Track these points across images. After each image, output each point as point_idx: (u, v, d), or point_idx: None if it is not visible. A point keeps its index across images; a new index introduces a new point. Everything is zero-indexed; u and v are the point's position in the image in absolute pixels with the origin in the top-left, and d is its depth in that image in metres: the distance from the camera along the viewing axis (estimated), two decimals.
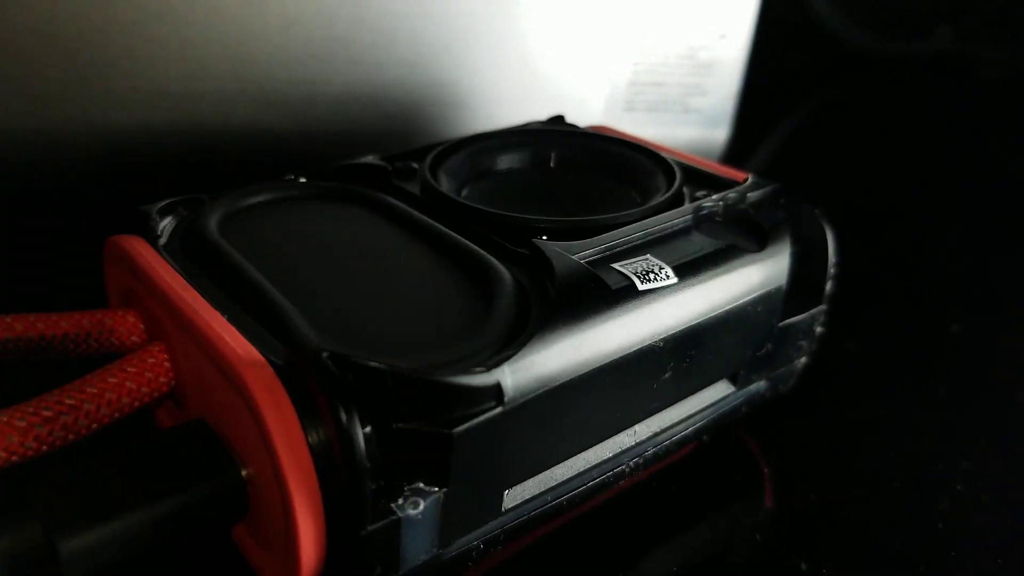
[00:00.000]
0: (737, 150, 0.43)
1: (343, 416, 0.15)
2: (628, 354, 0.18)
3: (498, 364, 0.16)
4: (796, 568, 0.20)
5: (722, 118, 0.43)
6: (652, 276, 0.19)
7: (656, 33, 0.39)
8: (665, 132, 0.34)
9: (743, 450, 0.24)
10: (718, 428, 0.23)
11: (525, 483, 0.18)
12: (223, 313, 0.17)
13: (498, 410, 0.16)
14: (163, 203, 0.21)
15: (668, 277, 0.19)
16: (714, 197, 0.22)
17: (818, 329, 0.24)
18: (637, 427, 0.20)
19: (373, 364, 0.15)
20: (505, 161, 0.26)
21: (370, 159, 0.25)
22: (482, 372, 0.16)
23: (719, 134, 0.43)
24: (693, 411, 0.21)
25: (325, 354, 0.15)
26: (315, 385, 0.15)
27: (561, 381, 0.17)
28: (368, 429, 0.15)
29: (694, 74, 0.41)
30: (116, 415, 0.17)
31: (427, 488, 0.16)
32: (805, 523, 0.22)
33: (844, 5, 0.62)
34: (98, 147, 0.32)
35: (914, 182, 0.47)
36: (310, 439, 0.15)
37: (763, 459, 0.24)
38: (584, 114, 0.38)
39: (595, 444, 0.19)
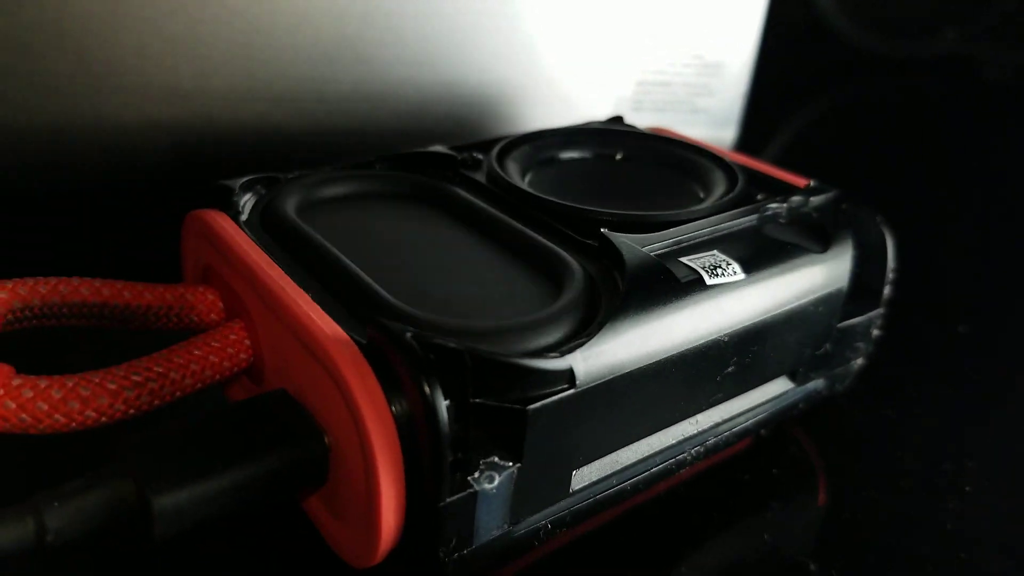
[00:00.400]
0: (745, 151, 0.43)
1: (427, 389, 0.15)
2: (694, 347, 0.19)
3: (571, 351, 0.17)
4: (804, 568, 0.20)
5: (730, 118, 0.43)
6: (720, 271, 0.20)
7: (664, 33, 0.39)
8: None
9: (793, 443, 0.24)
10: (776, 423, 0.23)
11: (592, 465, 0.19)
12: (308, 291, 0.18)
13: (570, 392, 0.17)
14: (245, 179, 0.22)
15: (735, 273, 0.20)
16: (778, 199, 0.23)
17: (875, 332, 0.24)
18: (699, 417, 0.20)
19: (454, 345, 0.16)
20: (569, 156, 0.26)
21: (439, 148, 0.25)
22: (555, 357, 0.17)
23: (727, 134, 0.43)
24: (753, 404, 0.22)
25: (409, 334, 0.16)
26: (400, 362, 0.16)
27: (629, 369, 0.18)
28: (448, 403, 0.16)
29: (702, 74, 0.41)
30: (199, 385, 0.18)
31: (501, 463, 0.17)
32: (813, 523, 0.22)
33: (851, 6, 0.62)
34: (108, 144, 0.32)
35: (920, 183, 0.47)
36: (395, 410, 0.16)
37: (816, 455, 0.24)
38: (592, 113, 0.39)
39: (659, 431, 0.20)
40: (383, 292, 0.18)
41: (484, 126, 0.37)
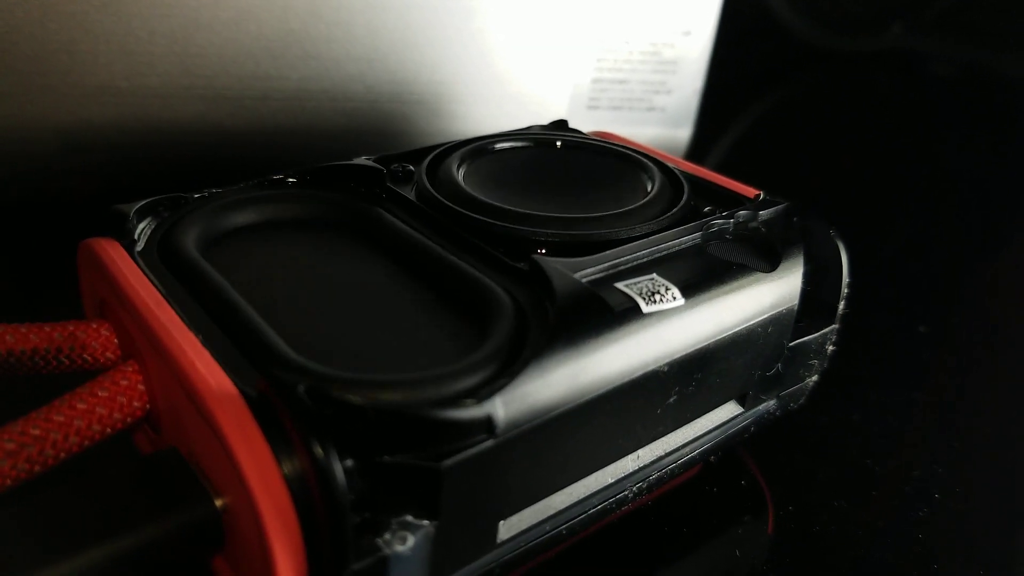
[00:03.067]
0: (698, 149, 0.42)
1: (319, 451, 0.13)
2: (630, 380, 0.16)
3: (490, 395, 0.14)
4: None
5: (686, 116, 0.40)
6: (658, 297, 0.17)
7: (620, 30, 0.37)
8: (629, 131, 0.32)
9: (742, 469, 0.22)
10: (726, 449, 0.21)
11: (521, 513, 0.16)
12: (198, 334, 0.15)
13: (490, 443, 0.14)
14: (141, 203, 0.19)
15: (675, 298, 0.17)
16: (724, 214, 0.20)
17: (830, 348, 0.22)
18: (640, 452, 0.18)
19: (352, 399, 0.13)
20: (506, 166, 0.24)
21: (364, 160, 0.23)
22: (472, 404, 0.14)
23: (682, 133, 0.41)
24: (699, 433, 0.20)
25: (301, 388, 0.13)
26: (289, 419, 0.13)
27: (558, 411, 0.15)
28: (349, 462, 0.13)
29: (658, 71, 0.38)
30: (87, 443, 0.16)
31: (416, 522, 0.14)
32: (784, 535, 0.20)
33: (801, 2, 0.61)
34: (38, 146, 0.29)
35: (870, 178, 0.45)
36: (286, 473, 0.13)
37: (763, 479, 0.22)
38: (547, 112, 0.36)
39: (596, 471, 0.17)
40: (277, 340, 0.15)
41: (435, 126, 0.35)
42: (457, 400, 0.14)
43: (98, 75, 0.29)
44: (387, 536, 0.14)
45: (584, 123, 0.29)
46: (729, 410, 0.20)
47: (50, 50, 0.28)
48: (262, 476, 0.13)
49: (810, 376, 0.22)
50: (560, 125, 0.26)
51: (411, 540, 0.14)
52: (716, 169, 0.23)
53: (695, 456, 0.19)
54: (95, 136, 0.30)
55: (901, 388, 0.26)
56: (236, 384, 0.14)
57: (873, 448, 0.23)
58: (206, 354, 0.15)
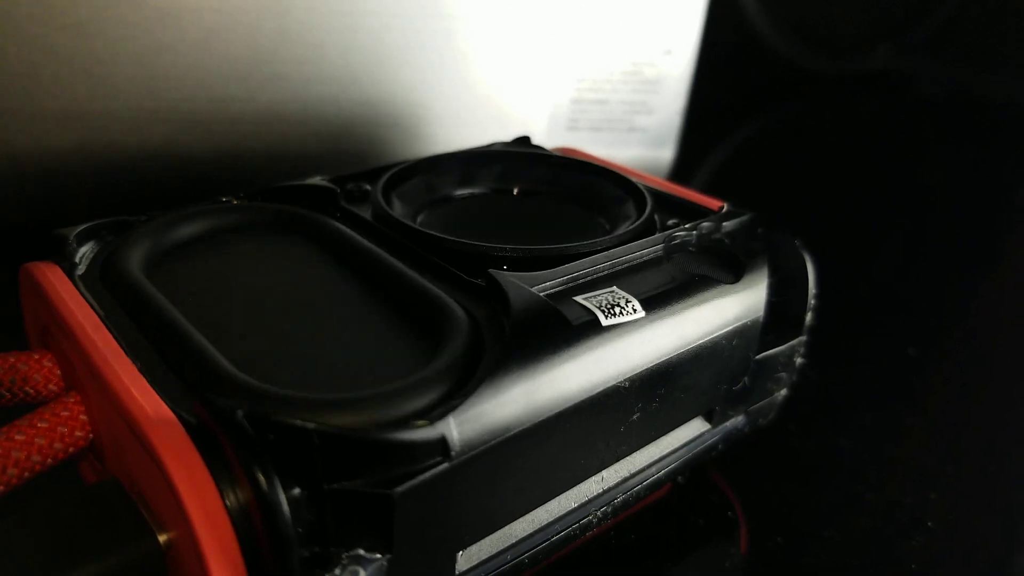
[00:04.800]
0: (681, 171, 0.41)
1: (262, 481, 0.12)
2: (591, 397, 0.16)
3: (443, 416, 0.14)
4: None
5: (668, 137, 0.40)
6: (617, 310, 0.17)
7: (600, 49, 0.36)
8: (610, 152, 0.31)
9: (711, 488, 0.22)
10: (694, 468, 0.20)
11: (481, 543, 0.15)
12: (136, 361, 0.15)
13: (444, 465, 0.14)
14: (83, 227, 0.19)
15: (635, 311, 0.17)
16: (687, 226, 0.20)
17: (798, 360, 0.21)
18: (604, 473, 0.17)
19: (296, 423, 0.12)
20: (465, 185, 0.23)
21: (317, 180, 0.22)
22: (423, 426, 0.13)
23: (665, 153, 0.40)
24: (666, 452, 0.19)
25: (240, 413, 0.12)
26: (229, 446, 0.12)
27: (515, 430, 0.15)
28: (296, 491, 0.12)
29: (639, 91, 0.38)
30: (26, 475, 0.15)
31: (368, 555, 0.13)
32: (771, 566, 0.19)
33: (786, 22, 0.60)
34: None
35: (859, 200, 0.44)
36: (229, 505, 0.12)
37: (734, 497, 0.21)
38: (525, 133, 0.35)
39: (558, 495, 0.17)
40: (219, 360, 0.14)
41: (412, 149, 0.34)
42: (408, 421, 0.14)
43: (60, 99, 0.28)
44: (337, 572, 0.13)
45: (564, 144, 0.28)
46: (696, 427, 0.19)
47: (10, 74, 0.27)
48: (204, 509, 0.12)
49: (779, 390, 0.21)
50: (523, 141, 0.26)
51: (363, 575, 0.13)
52: (701, 192, 0.22)
53: (662, 476, 0.19)
54: (56, 162, 0.29)
55: (891, 412, 0.25)
56: (175, 411, 0.13)
57: (863, 474, 0.22)
58: (143, 380, 0.14)
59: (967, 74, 0.61)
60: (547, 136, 0.36)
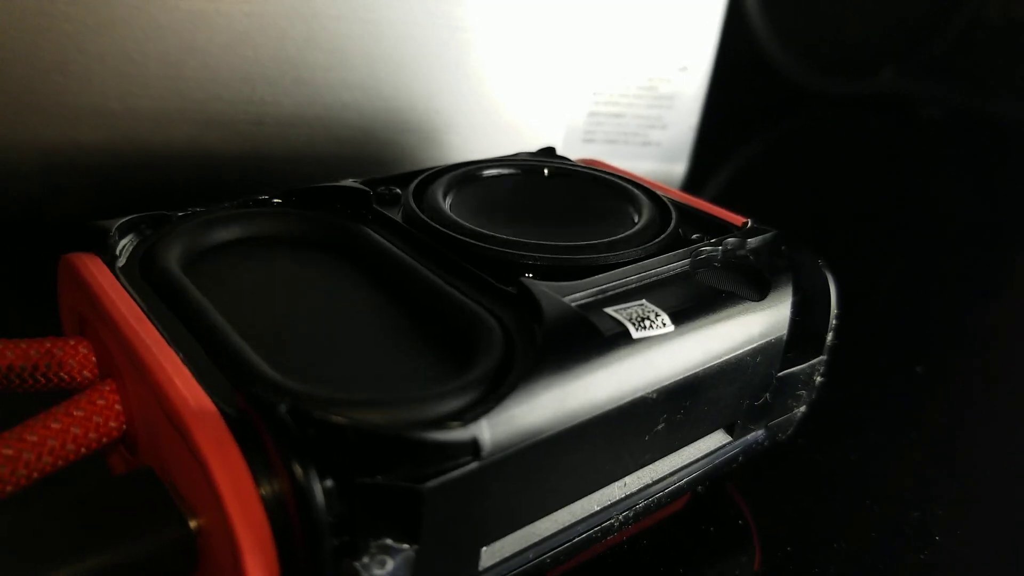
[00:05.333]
0: (693, 184, 0.41)
1: (299, 472, 0.12)
2: (619, 406, 0.16)
3: (476, 418, 0.14)
4: None
5: (681, 151, 0.40)
6: (647, 323, 0.17)
7: (617, 64, 0.36)
8: (624, 165, 0.31)
9: (725, 498, 0.22)
10: (713, 479, 0.20)
11: (504, 539, 0.16)
12: (179, 352, 0.15)
13: (474, 465, 0.14)
14: (124, 220, 0.19)
15: (664, 324, 0.17)
16: (713, 241, 0.20)
17: (818, 378, 0.21)
18: (627, 479, 0.18)
19: (335, 419, 0.13)
20: (493, 193, 0.23)
21: (350, 183, 0.22)
22: (457, 426, 0.14)
23: (677, 168, 0.40)
24: (687, 462, 0.19)
25: (283, 407, 0.13)
26: (269, 438, 0.13)
27: (545, 435, 0.15)
28: (329, 483, 0.13)
29: (654, 106, 0.38)
30: (60, 463, 0.15)
31: (396, 545, 0.14)
32: None
33: (795, 43, 0.61)
34: (27, 166, 0.29)
35: (865, 218, 0.45)
36: (264, 494, 0.13)
37: (747, 509, 0.21)
38: (542, 144, 0.36)
39: (582, 497, 0.17)
40: (258, 359, 0.15)
41: (429, 154, 0.34)
42: (442, 422, 0.14)
43: (90, 96, 0.29)
44: (366, 560, 0.13)
45: (579, 156, 0.28)
46: (717, 439, 0.20)
47: (42, 70, 0.28)
48: (239, 496, 0.13)
49: (798, 407, 0.21)
50: (548, 152, 0.26)
51: (390, 564, 0.14)
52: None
53: (682, 485, 0.19)
54: (84, 157, 0.29)
55: (899, 428, 0.25)
56: (215, 403, 0.14)
57: (872, 488, 0.23)
58: (186, 372, 0.14)
59: (972, 96, 0.61)
60: (563, 148, 0.37)
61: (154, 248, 0.18)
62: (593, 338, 0.16)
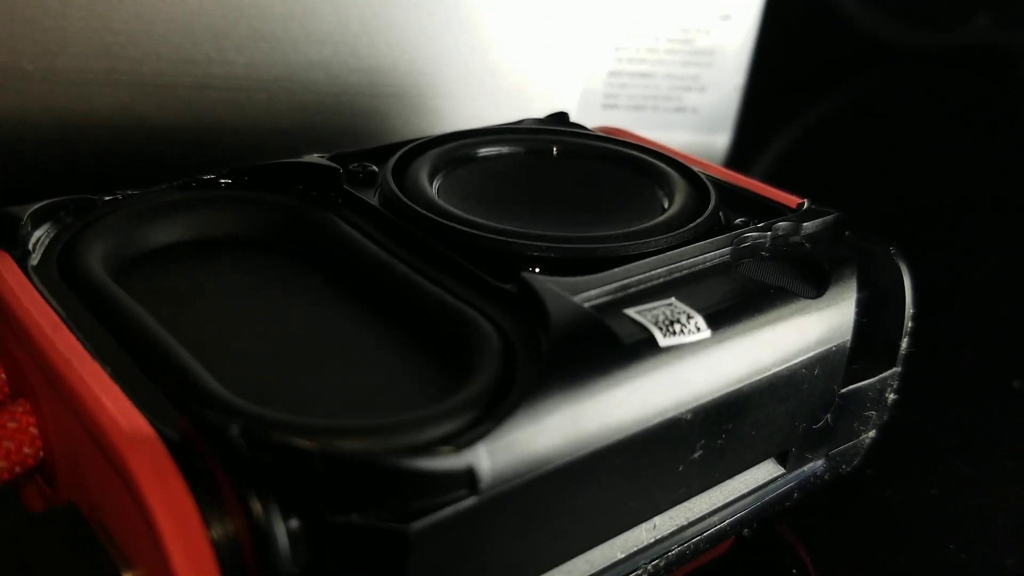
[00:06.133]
0: (739, 158, 0.42)
1: (257, 509, 0.13)
2: (644, 429, 0.16)
3: (471, 442, 0.14)
4: None
5: (723, 119, 0.40)
6: (678, 327, 0.17)
7: (644, 12, 0.37)
8: (652, 136, 0.32)
9: (778, 542, 0.22)
10: (762, 519, 0.21)
11: None
12: (105, 366, 0.15)
13: (471, 500, 0.14)
14: (38, 206, 0.19)
15: (698, 329, 0.17)
16: (759, 226, 0.20)
17: (890, 396, 0.22)
18: (657, 520, 0.18)
19: (299, 443, 0.13)
20: (490, 170, 0.24)
21: (315, 158, 0.23)
22: (449, 453, 0.14)
23: (720, 139, 0.41)
24: (730, 499, 0.20)
25: (235, 429, 0.13)
26: (219, 468, 0.13)
27: (555, 463, 0.15)
28: (293, 522, 0.13)
29: (690, 64, 0.38)
30: None
31: None
32: None
33: None
34: None
35: (948, 197, 0.45)
36: (214, 536, 0.13)
37: (805, 555, 0.22)
38: (551, 109, 0.36)
39: (602, 542, 0.17)
40: (205, 375, 0.15)
41: (415, 124, 0.35)
42: (430, 447, 0.14)
43: (1, 56, 0.29)
44: None
45: (597, 124, 0.29)
46: (767, 471, 0.20)
47: None
48: (183, 539, 0.13)
49: (866, 431, 0.22)
50: (559, 118, 0.27)
51: None
52: (762, 181, 0.23)
53: (725, 527, 0.19)
54: None
55: (990, 456, 0.26)
56: (152, 424, 0.14)
57: (958, 530, 0.23)
58: (115, 388, 0.15)
59: None
60: (578, 114, 0.37)
61: (75, 242, 0.19)
62: (611, 346, 0.16)
